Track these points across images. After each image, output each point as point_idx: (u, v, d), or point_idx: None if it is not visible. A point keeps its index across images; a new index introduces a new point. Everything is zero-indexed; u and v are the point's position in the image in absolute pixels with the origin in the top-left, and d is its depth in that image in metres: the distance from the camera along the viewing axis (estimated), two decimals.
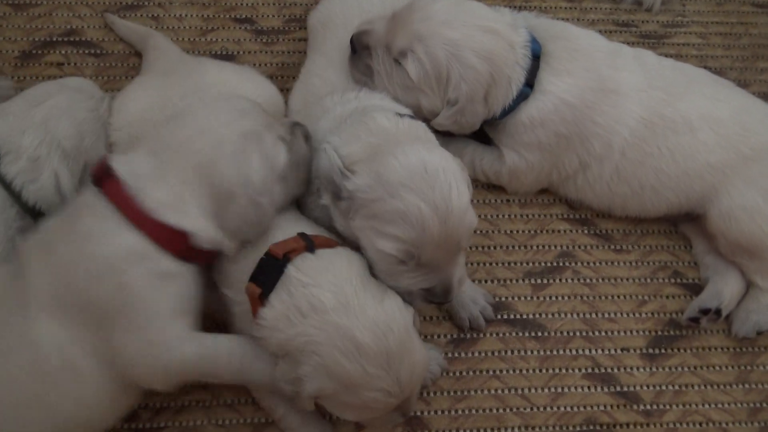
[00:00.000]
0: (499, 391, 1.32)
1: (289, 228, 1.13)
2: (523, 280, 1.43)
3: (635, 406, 1.32)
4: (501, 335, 1.37)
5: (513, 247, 1.46)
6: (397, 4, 1.38)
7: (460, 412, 1.29)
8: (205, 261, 1.10)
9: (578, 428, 1.29)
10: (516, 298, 1.41)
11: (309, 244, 1.08)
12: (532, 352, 1.36)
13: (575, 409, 1.31)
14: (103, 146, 1.29)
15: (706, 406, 1.33)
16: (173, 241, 1.04)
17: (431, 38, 1.28)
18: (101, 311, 1.00)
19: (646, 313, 1.41)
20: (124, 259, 1.01)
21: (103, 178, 1.06)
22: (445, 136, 1.44)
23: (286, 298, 1.04)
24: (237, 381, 1.12)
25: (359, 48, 1.33)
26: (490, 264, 1.44)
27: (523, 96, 1.35)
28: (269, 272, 1.06)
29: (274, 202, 1.12)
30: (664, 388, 1.34)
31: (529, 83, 1.35)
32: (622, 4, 1.79)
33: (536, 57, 1.35)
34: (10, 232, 1.17)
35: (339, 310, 1.01)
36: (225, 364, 1.07)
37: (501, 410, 1.30)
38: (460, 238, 1.08)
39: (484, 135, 1.47)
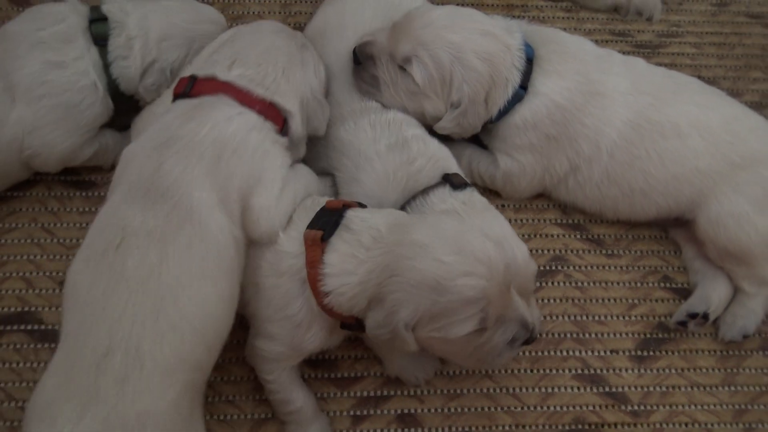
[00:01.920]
0: (491, 391, 1.36)
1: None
2: None
3: (623, 407, 1.36)
4: None
5: None
6: (387, 11, 1.45)
7: (453, 410, 1.34)
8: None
9: (567, 427, 1.33)
10: None
11: (362, 205, 1.17)
12: (523, 353, 1.39)
13: (564, 408, 1.35)
14: (176, 58, 1.42)
15: (693, 407, 1.37)
16: (278, 118, 1.24)
17: (434, 42, 1.33)
18: (244, 176, 1.16)
19: (636, 316, 1.45)
20: (250, 130, 1.19)
21: (208, 84, 1.22)
22: (444, 141, 1.49)
23: (348, 235, 1.10)
24: None
25: (363, 59, 1.38)
26: None
27: (517, 97, 1.40)
28: (329, 217, 1.13)
29: (327, 105, 1.36)
30: (651, 389, 1.38)
31: (523, 85, 1.39)
32: (618, 13, 1.83)
33: (529, 60, 1.40)
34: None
35: (392, 229, 1.08)
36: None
37: (492, 409, 1.34)
38: (527, 285, 1.15)
39: (480, 143, 1.52)
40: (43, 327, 1.36)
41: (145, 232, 1.07)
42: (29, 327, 1.36)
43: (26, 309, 1.37)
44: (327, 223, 1.12)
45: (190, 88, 1.21)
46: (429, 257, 1.03)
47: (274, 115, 1.23)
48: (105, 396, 0.99)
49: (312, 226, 1.13)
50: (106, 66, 1.37)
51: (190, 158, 1.13)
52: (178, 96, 1.22)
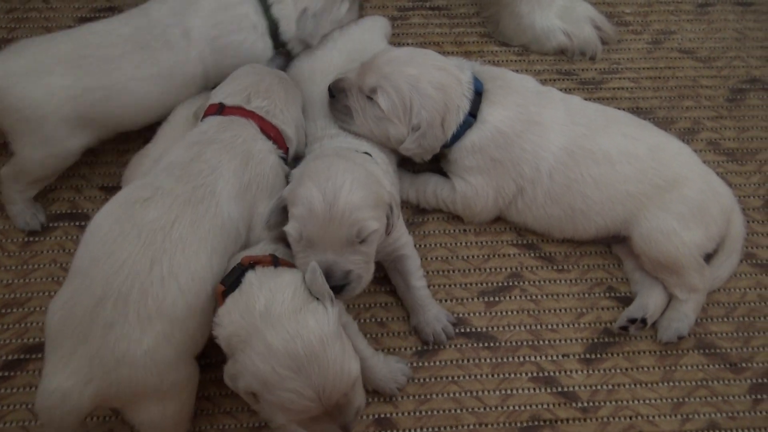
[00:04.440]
0: (457, 394, 1.52)
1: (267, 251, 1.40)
2: (478, 299, 1.65)
3: (574, 404, 1.52)
4: (458, 346, 1.58)
5: (469, 270, 1.69)
6: (353, 57, 1.70)
7: (423, 413, 1.50)
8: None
9: (525, 424, 1.49)
10: (471, 314, 1.62)
11: (275, 261, 1.31)
12: (485, 360, 1.57)
13: (522, 408, 1.51)
14: (321, 8, 1.72)
15: (636, 402, 1.52)
16: (284, 144, 1.52)
17: (395, 75, 1.56)
18: (260, 185, 1.42)
19: (584, 324, 1.62)
20: (270, 151, 1.48)
21: (237, 110, 1.49)
22: (414, 171, 1.71)
23: (237, 296, 1.22)
24: None
25: (336, 92, 1.61)
26: (449, 285, 1.66)
27: (467, 124, 1.61)
28: (234, 275, 1.26)
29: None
30: (599, 387, 1.54)
31: (473, 113, 1.61)
32: (565, 54, 2.04)
33: (479, 93, 1.62)
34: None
35: (263, 315, 1.17)
36: None
37: (459, 410, 1.50)
38: (345, 229, 1.28)
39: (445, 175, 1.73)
40: None
41: (174, 195, 1.30)
42: None
43: None
44: (229, 279, 1.25)
45: (221, 111, 1.47)
46: (269, 362, 1.12)
47: (282, 142, 1.50)
48: (92, 339, 1.17)
49: (223, 280, 1.26)
50: (266, 9, 1.66)
51: (226, 155, 1.39)
52: (208, 115, 1.48)
